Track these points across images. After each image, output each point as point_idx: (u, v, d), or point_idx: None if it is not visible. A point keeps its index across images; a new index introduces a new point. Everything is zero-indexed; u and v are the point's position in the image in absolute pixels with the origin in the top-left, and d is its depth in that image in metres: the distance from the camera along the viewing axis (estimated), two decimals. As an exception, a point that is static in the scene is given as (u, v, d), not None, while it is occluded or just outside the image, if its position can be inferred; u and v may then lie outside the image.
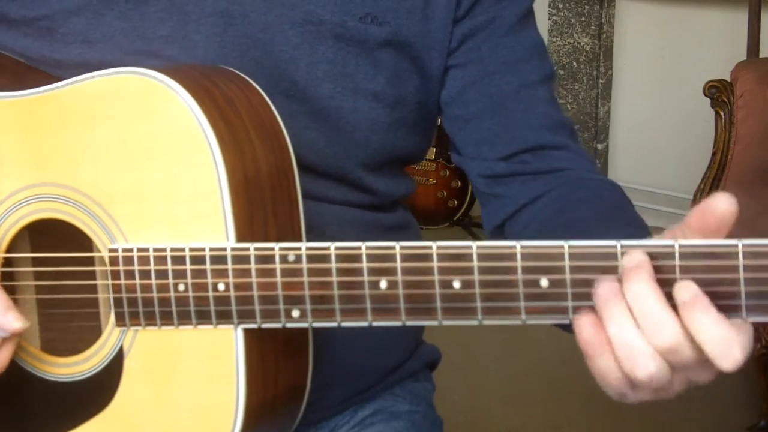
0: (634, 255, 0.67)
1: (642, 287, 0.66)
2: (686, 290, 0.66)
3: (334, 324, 0.75)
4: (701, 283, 0.66)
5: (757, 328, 2.32)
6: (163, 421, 0.82)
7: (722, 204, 0.66)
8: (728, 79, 2.66)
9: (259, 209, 0.80)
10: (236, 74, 0.86)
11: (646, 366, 0.67)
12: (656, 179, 3.67)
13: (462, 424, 2.50)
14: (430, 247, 0.71)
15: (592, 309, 0.69)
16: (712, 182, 2.67)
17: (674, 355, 0.67)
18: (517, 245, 0.69)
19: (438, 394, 1.15)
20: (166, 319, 0.80)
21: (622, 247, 0.67)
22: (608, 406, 2.75)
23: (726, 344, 0.65)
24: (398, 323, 0.73)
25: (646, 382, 0.68)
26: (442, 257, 0.71)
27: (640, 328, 0.67)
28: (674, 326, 0.66)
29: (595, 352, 0.69)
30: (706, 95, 2.68)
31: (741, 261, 0.64)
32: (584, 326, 0.69)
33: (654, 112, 3.68)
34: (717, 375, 0.69)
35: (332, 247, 0.74)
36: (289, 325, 0.76)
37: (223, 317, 0.78)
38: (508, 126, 1.00)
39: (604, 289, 0.68)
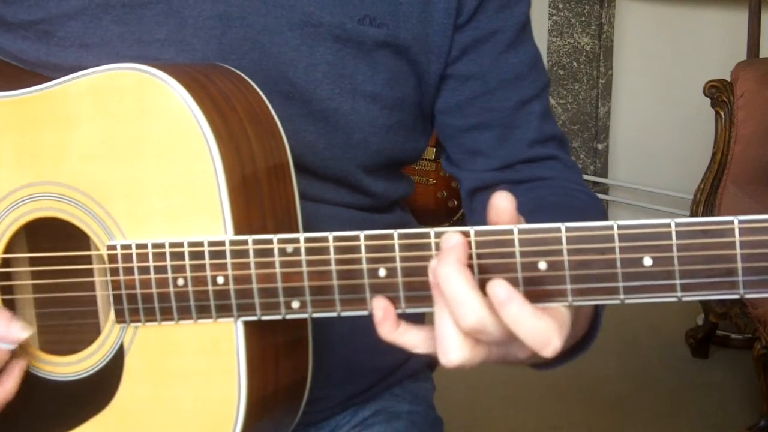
0: (451, 237, 0.69)
1: (448, 269, 0.68)
2: (500, 289, 0.67)
3: (334, 314, 0.75)
4: (699, 260, 0.66)
5: (757, 327, 2.31)
6: (165, 417, 0.82)
7: (500, 201, 0.70)
8: (728, 79, 2.66)
9: (256, 202, 0.80)
10: (231, 71, 0.86)
11: (452, 353, 0.69)
12: (656, 179, 3.67)
13: (462, 424, 2.49)
14: (428, 234, 0.71)
15: None
16: (712, 182, 2.67)
17: (483, 335, 0.69)
18: (515, 229, 0.69)
19: (438, 394, 1.15)
20: (166, 314, 0.80)
21: (618, 227, 0.67)
22: (608, 407, 2.75)
23: (545, 336, 0.67)
24: (398, 311, 0.73)
25: (451, 367, 0.70)
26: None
27: (451, 311, 0.69)
28: (477, 306, 0.67)
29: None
30: (706, 95, 2.68)
31: (738, 237, 0.64)
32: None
33: (654, 112, 3.67)
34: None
35: (330, 237, 0.74)
36: (289, 316, 0.76)
37: (223, 311, 0.78)
38: (504, 141, 1.02)
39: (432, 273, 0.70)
